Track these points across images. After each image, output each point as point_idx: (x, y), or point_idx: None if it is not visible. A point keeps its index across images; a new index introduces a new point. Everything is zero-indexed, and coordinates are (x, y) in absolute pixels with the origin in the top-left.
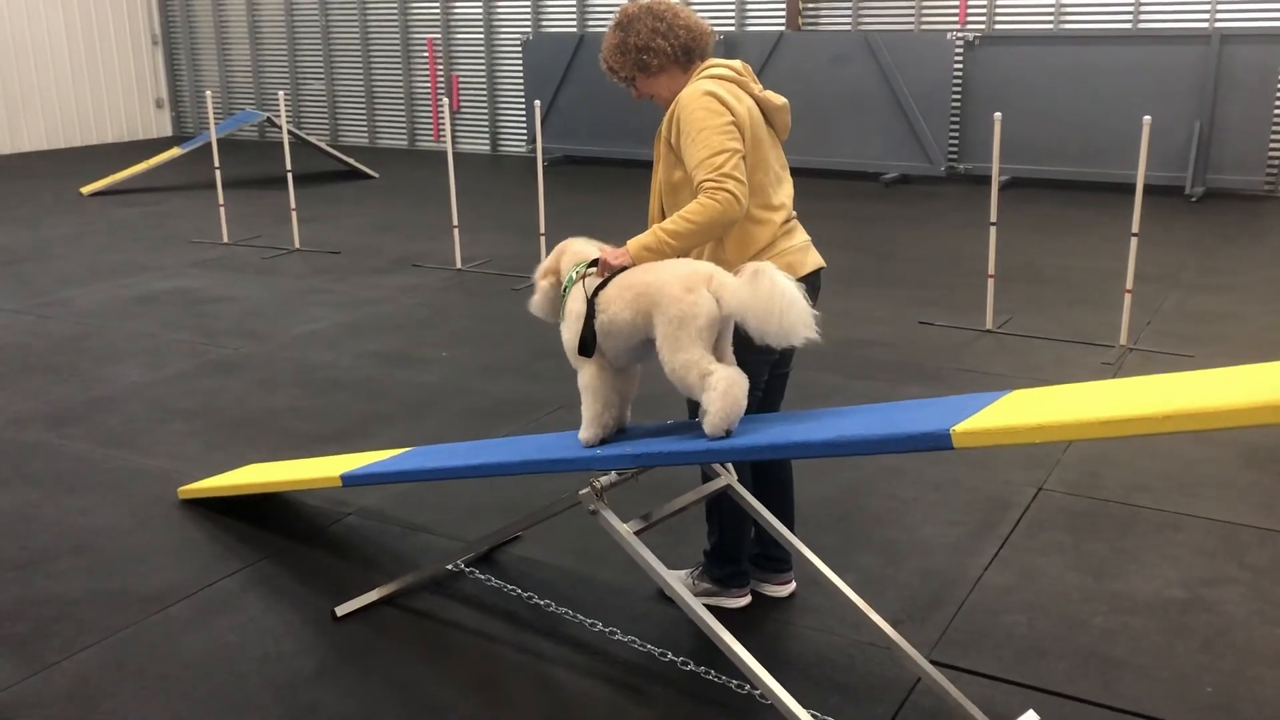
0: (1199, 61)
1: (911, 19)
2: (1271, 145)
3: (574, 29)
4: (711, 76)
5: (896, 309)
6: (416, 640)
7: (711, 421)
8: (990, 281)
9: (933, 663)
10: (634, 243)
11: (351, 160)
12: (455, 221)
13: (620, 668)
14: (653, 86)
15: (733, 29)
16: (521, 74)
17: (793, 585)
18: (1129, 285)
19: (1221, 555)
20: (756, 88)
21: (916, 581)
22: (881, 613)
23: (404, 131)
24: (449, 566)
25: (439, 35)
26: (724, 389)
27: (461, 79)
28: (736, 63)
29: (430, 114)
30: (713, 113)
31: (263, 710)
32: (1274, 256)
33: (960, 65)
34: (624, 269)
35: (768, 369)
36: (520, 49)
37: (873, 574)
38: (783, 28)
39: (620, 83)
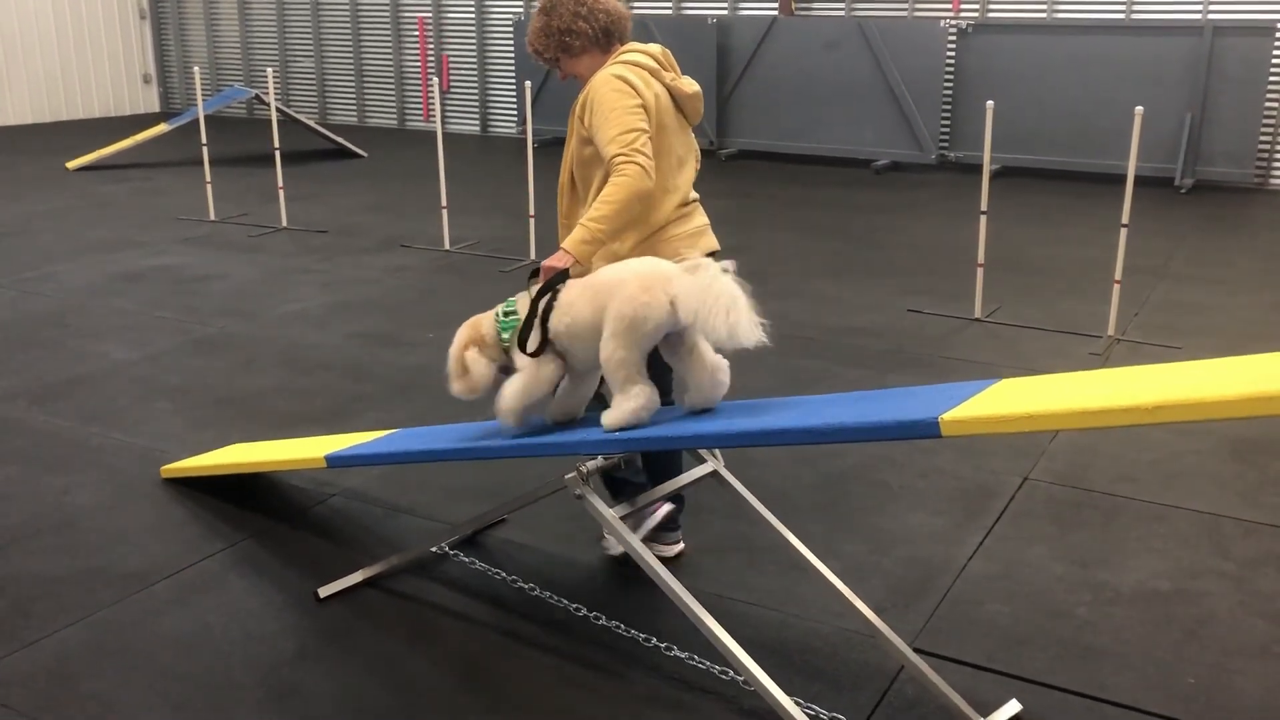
0: (1191, 53)
1: (905, 6)
2: (1261, 138)
3: None
4: (625, 62)
5: (885, 297)
6: (399, 622)
7: (608, 421)
8: (979, 270)
9: (916, 651)
10: (569, 242)
11: (340, 139)
12: (444, 202)
13: (604, 652)
14: (575, 67)
15: (725, 13)
16: (512, 54)
17: (680, 546)
18: (1118, 276)
19: (1206, 547)
20: (668, 75)
21: (901, 570)
22: (866, 600)
23: (393, 111)
24: (433, 549)
25: (430, 14)
26: (635, 407)
27: (452, 58)
28: (655, 48)
29: (420, 93)
30: (622, 94)
31: (244, 690)
32: (1262, 248)
33: (953, 53)
34: (566, 272)
35: None
36: (511, 29)
37: (858, 562)
38: (775, 13)
39: (545, 63)
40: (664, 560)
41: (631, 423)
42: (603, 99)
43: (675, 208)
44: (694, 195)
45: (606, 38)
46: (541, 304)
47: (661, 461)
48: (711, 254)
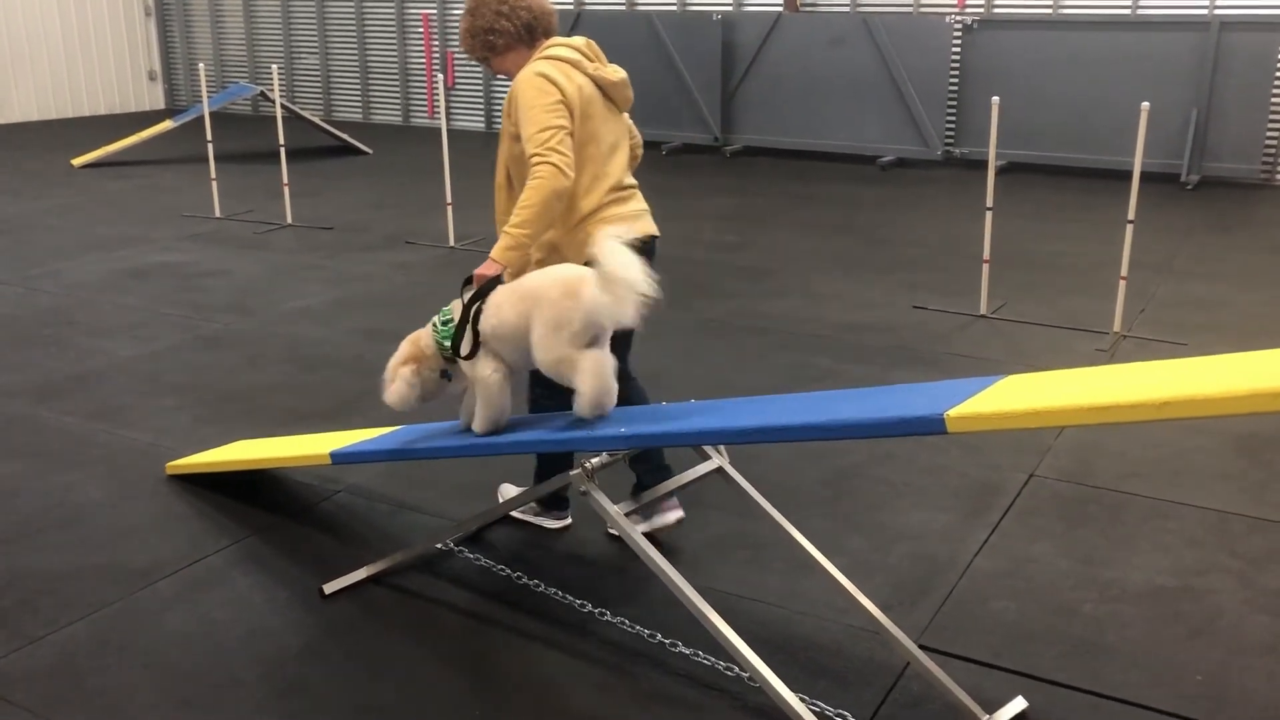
0: (1197, 48)
1: (910, 1)
2: (1268, 134)
3: (570, 6)
4: (546, 58)
5: (890, 293)
6: (404, 619)
7: (581, 404)
8: (985, 266)
9: (922, 648)
10: (495, 250)
11: (345, 136)
12: (449, 199)
13: (609, 649)
14: (503, 65)
15: (730, 9)
16: None
17: (679, 512)
18: (1124, 272)
19: (1212, 544)
20: (592, 66)
21: (906, 566)
22: (871, 597)
23: (398, 107)
24: (438, 545)
25: (435, 11)
26: (592, 369)
27: (457, 55)
28: (580, 40)
29: (425, 90)
30: (542, 92)
31: (248, 687)
32: (1269, 244)
33: (958, 49)
34: (498, 278)
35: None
36: None
37: (863, 558)
38: (780, 9)
39: (478, 62)
40: (666, 528)
41: (602, 391)
42: (524, 97)
43: (608, 192)
44: (630, 181)
45: (530, 34)
46: (473, 309)
47: (554, 461)
48: (650, 239)
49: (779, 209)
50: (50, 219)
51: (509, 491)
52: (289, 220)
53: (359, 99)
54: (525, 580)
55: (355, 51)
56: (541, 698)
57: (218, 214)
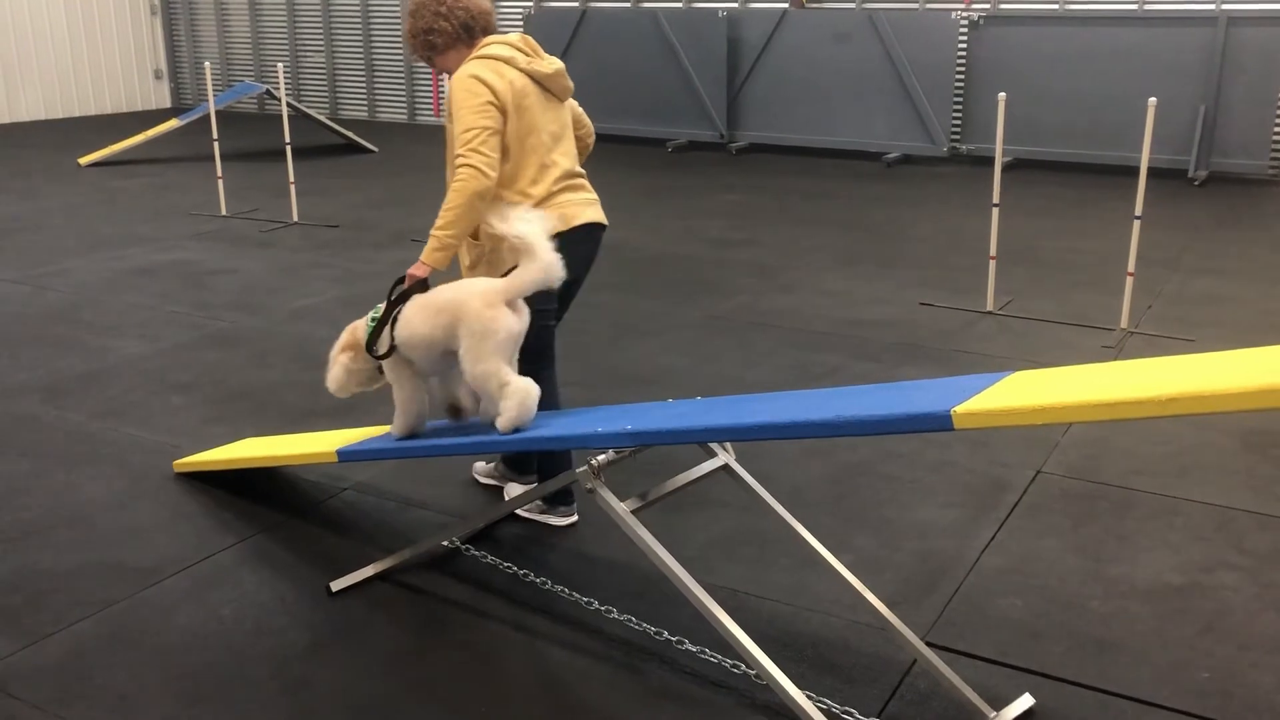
0: (1205, 44)
1: None
2: (1276, 129)
3: (576, 3)
4: (480, 57)
5: (897, 290)
6: (411, 616)
7: (501, 422)
8: (992, 263)
9: (929, 645)
10: (424, 254)
11: (350, 134)
12: None
13: (616, 646)
14: (445, 63)
15: (735, 6)
16: None
17: (574, 518)
18: (1131, 268)
19: (1220, 540)
20: (525, 60)
21: (913, 563)
22: (878, 594)
23: (404, 105)
24: (445, 543)
25: None
26: (516, 403)
27: None
28: (514, 37)
29: (431, 88)
30: (471, 93)
31: (256, 684)
32: (1276, 240)
33: (964, 45)
34: (426, 281)
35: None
36: (521, 23)
37: (869, 555)
38: (786, 6)
39: (423, 61)
40: (556, 529)
41: (522, 418)
42: (455, 98)
43: (556, 180)
44: (579, 170)
45: (468, 33)
46: (394, 312)
47: (554, 459)
48: (597, 225)
49: (785, 206)
50: (57, 217)
51: (514, 490)
52: (295, 218)
53: (364, 97)
54: (532, 578)
55: (361, 49)
56: (548, 695)
57: (224, 212)
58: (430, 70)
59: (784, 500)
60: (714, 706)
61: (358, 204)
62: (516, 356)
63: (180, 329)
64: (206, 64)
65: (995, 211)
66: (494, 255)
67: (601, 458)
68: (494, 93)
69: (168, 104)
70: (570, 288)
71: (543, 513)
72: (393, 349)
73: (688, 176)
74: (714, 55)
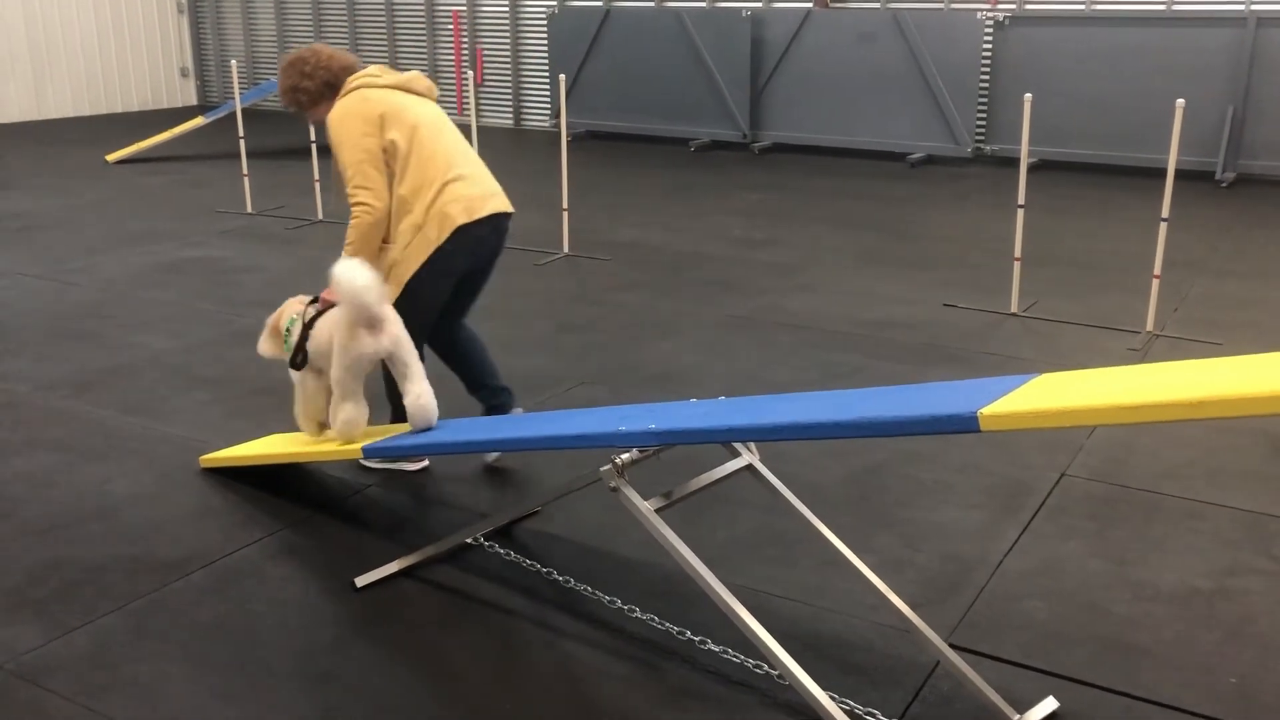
0: (1233, 44)
1: None
2: None
3: (600, 2)
4: (345, 94)
5: (921, 291)
6: (434, 612)
7: (329, 432)
8: (1016, 265)
9: (952, 646)
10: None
11: None
12: None
13: (638, 645)
14: (315, 115)
15: (760, 6)
16: (546, 48)
17: (425, 462)
18: (1157, 271)
19: (1247, 545)
20: (383, 79)
21: (936, 565)
22: (901, 595)
23: None
24: (468, 540)
25: (464, 7)
26: (343, 419)
27: (486, 52)
28: (373, 68)
29: (454, 87)
30: (346, 127)
31: (281, 678)
32: None
33: (990, 45)
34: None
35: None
36: (545, 22)
37: (892, 556)
38: (810, 5)
39: (294, 111)
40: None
41: (344, 434)
42: (334, 137)
43: (449, 169)
44: (475, 158)
45: (331, 90)
46: (310, 330)
47: (472, 369)
48: (502, 214)
49: (808, 206)
50: (85, 214)
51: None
52: (320, 216)
53: None
54: (554, 576)
55: (385, 48)
56: (570, 693)
57: (249, 210)
58: (454, 68)
59: (805, 500)
60: (736, 706)
61: None
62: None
63: (207, 325)
64: (233, 62)
65: (1020, 213)
66: (417, 243)
67: (625, 456)
68: (364, 117)
69: (194, 102)
70: (476, 278)
71: (394, 461)
72: (304, 362)
73: (710, 176)
74: (738, 54)
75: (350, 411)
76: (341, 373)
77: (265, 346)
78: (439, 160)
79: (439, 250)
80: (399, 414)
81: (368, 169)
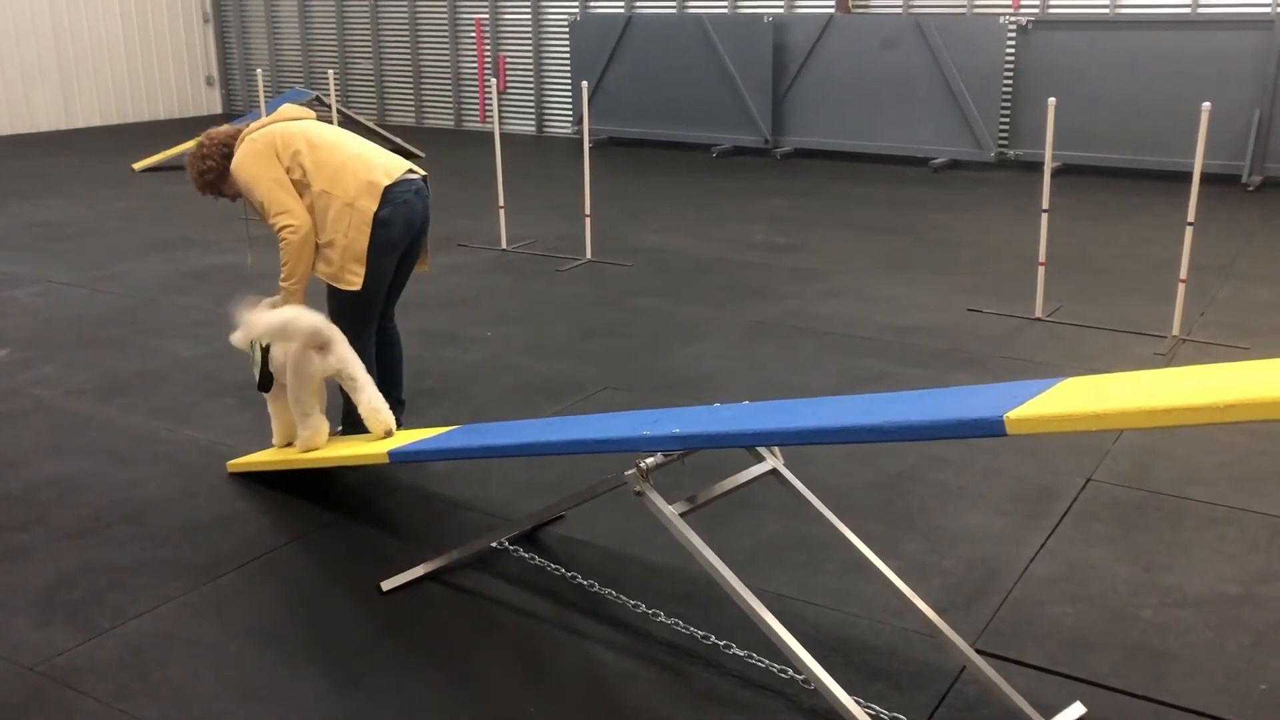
0: (1260, 47)
1: (964, 2)
2: None
3: (621, 9)
4: (243, 142)
5: (945, 296)
6: (460, 616)
7: (298, 444)
8: (1040, 269)
9: (978, 652)
10: (281, 303)
11: (398, 139)
12: (501, 202)
13: (663, 649)
14: (228, 189)
15: (782, 11)
16: (568, 55)
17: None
18: (1183, 275)
19: (1276, 551)
20: (259, 123)
21: (962, 570)
22: (926, 600)
23: (450, 111)
24: (493, 544)
25: (487, 15)
26: (306, 435)
27: (508, 59)
28: (251, 123)
29: (477, 94)
30: (248, 171)
31: (308, 680)
32: None
33: (1013, 49)
34: None
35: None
36: (567, 29)
37: (918, 561)
38: (832, 10)
39: (213, 197)
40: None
41: (306, 445)
42: (241, 180)
43: (352, 154)
44: (369, 142)
45: (229, 158)
46: (267, 354)
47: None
48: (423, 179)
49: (830, 211)
50: (112, 222)
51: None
52: None
53: (412, 103)
54: (580, 580)
55: (409, 56)
56: (595, 697)
57: None
58: (477, 76)
59: (830, 505)
60: (762, 711)
61: None
62: (322, 389)
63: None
64: (258, 70)
65: (1044, 217)
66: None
67: (649, 461)
68: (257, 155)
69: (219, 110)
70: (410, 251)
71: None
72: (270, 384)
73: (732, 182)
74: (759, 60)
75: (311, 425)
76: (299, 392)
77: (239, 339)
78: (341, 150)
79: (377, 219)
80: (353, 424)
81: (279, 194)
